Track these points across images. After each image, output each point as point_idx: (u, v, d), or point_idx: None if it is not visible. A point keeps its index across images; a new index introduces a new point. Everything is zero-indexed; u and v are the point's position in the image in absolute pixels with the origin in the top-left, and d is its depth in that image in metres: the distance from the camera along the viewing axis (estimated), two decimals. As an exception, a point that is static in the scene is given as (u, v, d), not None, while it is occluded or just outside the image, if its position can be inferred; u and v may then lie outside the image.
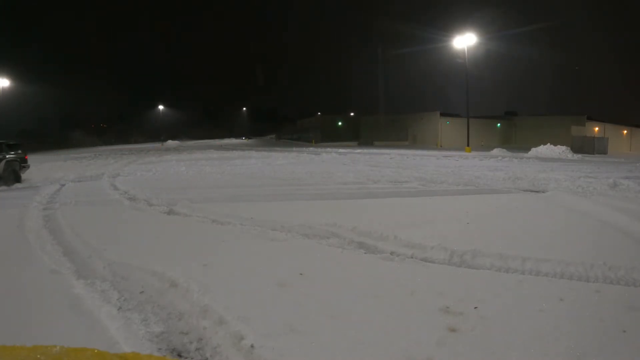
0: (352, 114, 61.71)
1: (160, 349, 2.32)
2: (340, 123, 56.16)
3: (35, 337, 2.37)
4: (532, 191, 7.74)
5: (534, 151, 22.93)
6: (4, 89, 35.57)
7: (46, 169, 15.65)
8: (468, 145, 27.62)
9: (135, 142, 67.93)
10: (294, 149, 34.70)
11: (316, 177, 10.62)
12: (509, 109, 52.30)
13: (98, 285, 3.17)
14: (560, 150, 22.22)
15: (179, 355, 2.25)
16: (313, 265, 3.49)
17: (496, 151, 24.48)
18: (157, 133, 67.46)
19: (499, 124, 45.86)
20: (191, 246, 4.28)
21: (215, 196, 7.69)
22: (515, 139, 44.49)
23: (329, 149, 30.72)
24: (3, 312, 2.75)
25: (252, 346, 2.19)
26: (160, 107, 70.14)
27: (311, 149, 34.55)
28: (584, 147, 28.27)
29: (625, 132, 47.81)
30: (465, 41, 28.29)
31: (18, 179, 11.00)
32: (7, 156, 10.96)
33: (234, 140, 66.16)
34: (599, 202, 6.08)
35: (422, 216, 5.52)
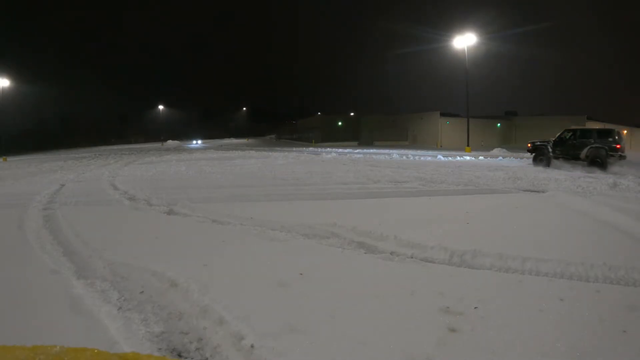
0: (352, 114, 61.69)
1: (160, 348, 2.32)
2: (340, 123, 56.15)
3: (35, 337, 2.37)
4: (532, 191, 7.74)
5: (534, 151, 22.88)
6: (3, 89, 35.53)
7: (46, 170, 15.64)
8: (468, 145, 27.63)
9: (135, 142, 68.01)
10: (294, 149, 34.71)
11: (316, 177, 10.62)
12: (509, 109, 52.30)
13: (98, 285, 3.17)
14: (561, 150, 22.16)
15: (179, 355, 2.25)
16: (313, 265, 3.49)
17: (496, 151, 24.50)
18: (157, 133, 67.48)
19: (499, 124, 45.86)
20: (191, 246, 4.28)
21: (215, 196, 7.69)
22: (515, 139, 44.49)
23: (329, 149, 30.73)
24: (3, 312, 2.75)
25: (252, 346, 2.19)
26: (160, 107, 70.19)
27: (311, 149, 34.56)
28: (584, 147, 28.18)
29: (625, 132, 47.79)
30: (465, 41, 28.29)
31: None
32: None
33: (234, 140, 66.20)
34: (599, 202, 6.08)
35: (422, 216, 5.52)
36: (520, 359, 2.07)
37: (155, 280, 3.26)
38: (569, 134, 14.46)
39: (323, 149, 31.43)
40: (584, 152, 13.54)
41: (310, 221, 5.06)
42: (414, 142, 44.53)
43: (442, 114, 43.37)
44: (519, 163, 15.75)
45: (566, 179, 9.29)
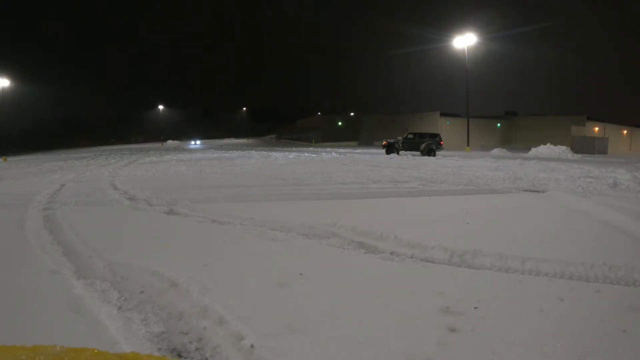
0: (352, 114, 61.68)
1: (160, 348, 2.32)
2: (340, 123, 56.15)
3: (35, 337, 2.37)
4: (532, 191, 7.74)
5: (534, 151, 22.96)
6: (3, 89, 35.52)
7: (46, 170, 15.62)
8: (468, 145, 27.62)
9: (135, 142, 68.04)
10: (294, 149, 34.71)
11: (316, 177, 10.62)
12: (509, 109, 52.31)
13: (98, 285, 3.17)
14: (560, 151, 22.27)
15: (179, 355, 2.25)
16: (313, 265, 3.49)
17: (496, 151, 24.51)
18: (157, 133, 67.51)
19: (499, 124, 45.86)
20: (191, 246, 4.28)
21: (215, 196, 7.68)
22: (515, 139, 44.49)
23: (328, 149, 30.76)
24: (3, 312, 2.75)
25: (252, 346, 2.19)
26: (160, 107, 70.22)
27: (311, 149, 34.57)
28: (584, 147, 28.31)
29: (625, 132, 47.82)
30: (465, 41, 28.30)
31: None
32: None
33: (234, 140, 66.21)
34: (599, 202, 6.07)
35: (422, 216, 5.52)
36: (520, 359, 2.07)
37: (155, 280, 3.25)
38: (412, 135, 24.29)
39: (323, 149, 31.44)
40: (422, 146, 23.09)
41: (310, 221, 5.06)
42: (414, 142, 44.46)
43: (442, 114, 43.37)
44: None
45: (566, 179, 9.29)
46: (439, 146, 23.21)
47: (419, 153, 22.89)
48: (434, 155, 22.23)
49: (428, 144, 23.02)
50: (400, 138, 24.72)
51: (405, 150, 23.65)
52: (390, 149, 23.78)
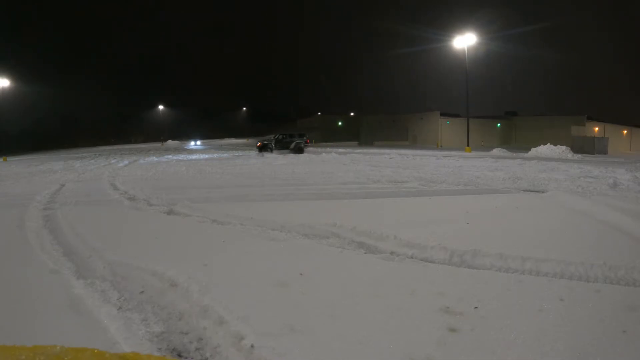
0: (352, 114, 61.71)
1: (160, 348, 2.32)
2: (340, 123, 56.17)
3: (35, 337, 2.37)
4: (532, 191, 7.74)
5: (534, 151, 22.95)
6: (3, 89, 35.51)
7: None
8: (468, 145, 27.62)
9: (135, 142, 68.06)
10: (294, 149, 34.66)
11: (316, 177, 10.62)
12: (509, 109, 52.31)
13: (98, 285, 3.17)
14: (561, 150, 22.25)
15: (179, 355, 2.25)
16: (313, 265, 3.49)
17: (496, 151, 24.50)
18: (157, 133, 67.52)
19: (499, 124, 45.89)
20: (191, 246, 4.28)
21: (215, 196, 7.69)
22: (515, 139, 44.52)
23: (328, 149, 30.73)
24: (3, 312, 2.75)
25: (252, 346, 2.19)
26: (160, 107, 70.20)
27: (311, 149, 34.55)
28: (584, 147, 28.31)
29: (625, 132, 47.83)
30: (465, 41, 28.28)
31: None
32: None
33: (234, 140, 66.23)
34: (599, 202, 6.07)
35: (422, 216, 5.52)
36: (520, 359, 2.07)
37: (155, 280, 3.25)
38: (282, 136, 27.58)
39: (323, 149, 31.43)
40: (292, 145, 26.19)
41: (310, 221, 5.06)
42: (414, 142, 44.56)
43: (442, 114, 43.42)
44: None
45: (566, 179, 9.29)
46: (305, 144, 27.42)
47: (288, 151, 26.10)
48: (302, 152, 25.39)
49: (297, 143, 26.49)
50: (272, 138, 27.89)
51: (278, 149, 26.66)
52: (263, 148, 26.72)
